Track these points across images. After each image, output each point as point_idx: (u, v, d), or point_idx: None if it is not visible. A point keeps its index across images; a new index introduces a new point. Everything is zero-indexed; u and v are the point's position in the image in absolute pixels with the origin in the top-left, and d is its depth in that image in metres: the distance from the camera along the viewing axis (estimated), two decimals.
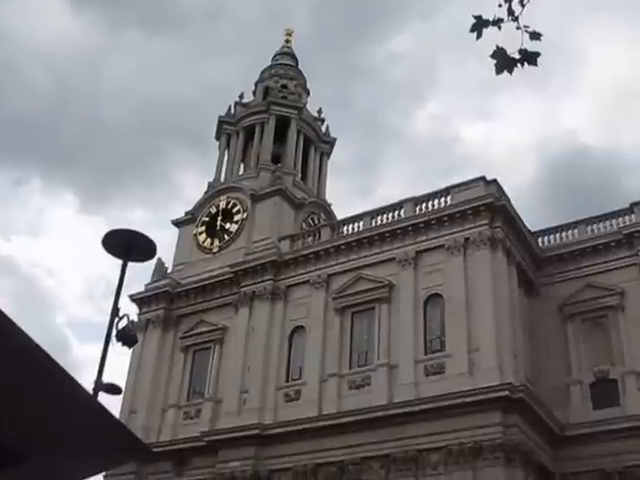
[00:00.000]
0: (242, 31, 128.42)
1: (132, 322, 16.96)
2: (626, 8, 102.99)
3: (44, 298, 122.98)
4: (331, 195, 63.25)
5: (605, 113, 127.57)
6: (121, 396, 48.80)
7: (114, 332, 16.24)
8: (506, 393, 37.77)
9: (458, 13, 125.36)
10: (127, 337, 16.60)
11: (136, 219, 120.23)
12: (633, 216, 46.69)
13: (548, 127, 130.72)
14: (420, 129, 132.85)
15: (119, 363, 51.74)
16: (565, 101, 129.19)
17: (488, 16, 8.96)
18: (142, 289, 55.04)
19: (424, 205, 46.71)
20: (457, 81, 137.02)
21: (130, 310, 53.22)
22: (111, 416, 5.43)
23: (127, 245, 15.84)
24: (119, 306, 16.34)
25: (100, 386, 15.53)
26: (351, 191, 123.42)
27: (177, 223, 58.40)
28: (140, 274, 56.24)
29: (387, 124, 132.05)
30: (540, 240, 49.17)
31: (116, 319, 16.25)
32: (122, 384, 50.22)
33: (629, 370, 42.46)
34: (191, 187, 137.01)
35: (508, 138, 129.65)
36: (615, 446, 39.93)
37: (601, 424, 41.00)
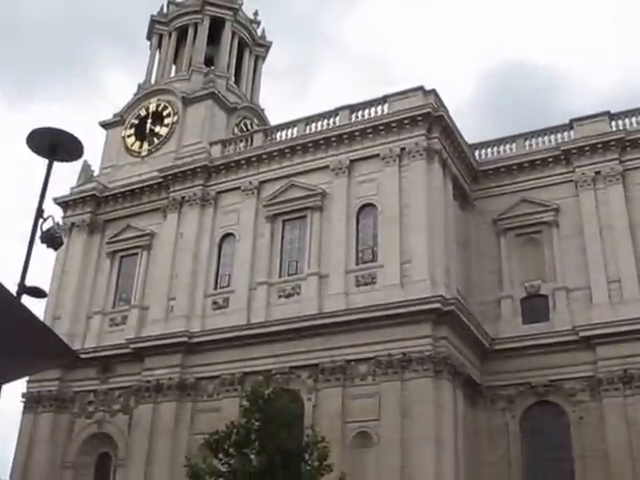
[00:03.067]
0: None
1: (57, 224, 16.29)
2: None
3: None
4: (265, 101, 62.08)
5: (549, 31, 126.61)
6: (44, 301, 48.51)
7: (38, 234, 15.66)
8: (437, 305, 37.79)
9: None
10: (52, 239, 16.01)
11: (62, 119, 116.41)
12: (572, 132, 46.58)
13: (489, 40, 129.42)
14: (357, 36, 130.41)
15: (43, 268, 50.63)
16: (508, 14, 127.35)
17: None
18: (67, 192, 53.46)
19: (360, 113, 45.78)
20: None
21: (55, 213, 51.79)
22: (35, 319, 5.40)
23: (52, 144, 15.28)
24: (44, 207, 15.68)
25: (23, 288, 14.91)
26: (285, 98, 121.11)
27: (105, 125, 56.60)
28: (65, 177, 54.58)
29: (323, 30, 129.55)
30: (477, 153, 48.79)
31: (40, 220, 15.63)
32: (46, 289, 50.01)
33: (560, 286, 42.86)
34: (119, 87, 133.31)
35: (448, 49, 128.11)
36: (542, 360, 40.72)
37: (529, 338, 41.60)
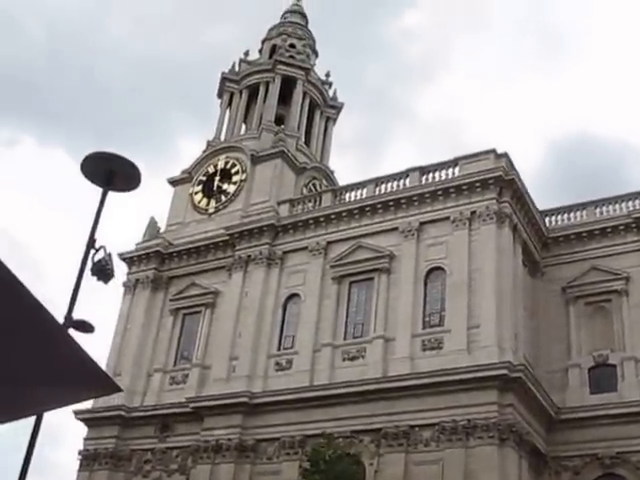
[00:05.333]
0: None
1: (109, 255, 15.77)
2: None
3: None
4: (334, 165, 63.60)
5: (616, 104, 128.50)
6: (106, 356, 50.07)
7: (89, 265, 15.25)
8: (504, 372, 38.50)
9: None
10: (102, 271, 15.61)
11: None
12: None
13: (558, 114, 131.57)
14: (428, 109, 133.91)
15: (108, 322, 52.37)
16: (577, 90, 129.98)
17: None
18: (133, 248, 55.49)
19: (430, 175, 47.18)
20: (469, 63, 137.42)
21: (118, 268, 53.67)
22: (77, 345, 5.52)
23: (108, 171, 14.77)
24: (96, 238, 15.34)
25: (70, 321, 14.57)
26: (354, 167, 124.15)
27: (172, 182, 58.60)
28: (133, 235, 56.50)
29: (395, 102, 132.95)
30: (547, 219, 49.85)
31: (92, 251, 15.24)
32: (108, 343, 51.64)
33: (629, 356, 43.40)
34: (189, 151, 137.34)
35: (517, 124, 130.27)
36: (609, 431, 41.03)
37: (597, 409, 42.04)
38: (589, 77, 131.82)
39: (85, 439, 49.90)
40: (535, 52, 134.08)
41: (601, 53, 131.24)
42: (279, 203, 51.94)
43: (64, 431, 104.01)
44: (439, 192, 45.51)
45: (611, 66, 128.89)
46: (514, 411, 38.85)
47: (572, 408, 42.63)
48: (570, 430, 42.06)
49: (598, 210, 48.92)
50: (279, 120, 60.60)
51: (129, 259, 54.96)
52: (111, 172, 14.74)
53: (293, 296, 48.19)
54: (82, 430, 50.63)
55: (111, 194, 15.44)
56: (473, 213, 44.07)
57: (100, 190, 15.25)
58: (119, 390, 6.26)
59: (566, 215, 49.90)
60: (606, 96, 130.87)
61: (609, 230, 47.03)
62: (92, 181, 14.99)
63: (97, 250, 15.32)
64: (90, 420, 49.77)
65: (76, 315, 14.77)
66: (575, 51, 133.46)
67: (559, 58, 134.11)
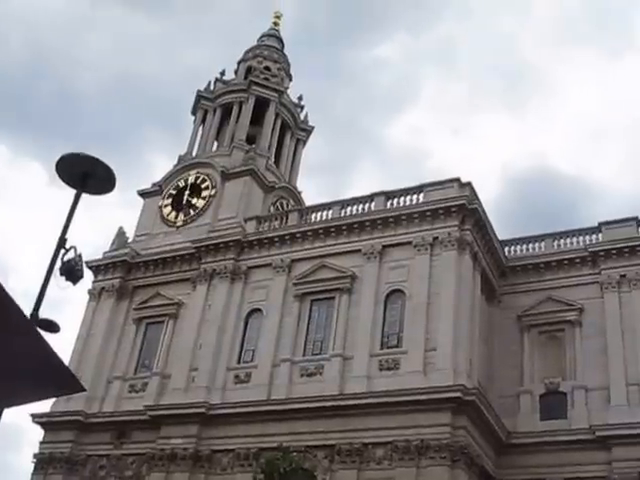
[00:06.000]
0: (226, 21, 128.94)
1: (79, 256, 15.50)
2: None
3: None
4: (301, 188, 63.17)
5: (575, 144, 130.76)
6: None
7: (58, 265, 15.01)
8: (458, 394, 38.38)
9: (446, 31, 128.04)
10: (71, 271, 15.32)
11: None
12: (600, 235, 47.82)
13: (520, 150, 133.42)
14: (395, 138, 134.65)
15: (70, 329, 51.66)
16: (538, 128, 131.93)
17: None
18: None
19: (395, 200, 47.14)
20: (437, 97, 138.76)
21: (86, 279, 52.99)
22: (46, 344, 5.36)
23: (83, 173, 14.64)
24: (66, 237, 15.04)
25: (35, 320, 14.08)
26: (321, 189, 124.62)
27: (143, 194, 58.22)
28: (100, 246, 55.85)
29: (363, 129, 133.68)
30: (507, 249, 50.03)
31: (62, 251, 14.99)
32: (69, 349, 50.88)
33: (579, 385, 43.57)
34: (160, 166, 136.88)
35: (479, 157, 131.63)
36: (558, 457, 41.18)
37: (546, 435, 42.18)
38: (551, 117, 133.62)
39: (41, 442, 49.11)
40: (501, 90, 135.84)
41: (564, 96, 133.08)
42: (246, 220, 51.66)
43: (19, 434, 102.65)
44: (403, 217, 45.50)
45: (573, 108, 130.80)
46: (466, 433, 38.69)
47: (522, 433, 42.71)
48: (519, 454, 42.11)
49: (556, 242, 49.19)
50: (250, 139, 60.23)
51: (95, 267, 54.35)
52: (86, 174, 14.59)
53: (255, 311, 47.81)
54: (38, 434, 49.84)
55: (85, 197, 15.25)
56: (435, 239, 44.05)
57: (74, 192, 15.06)
58: (83, 390, 5.93)
59: (525, 246, 50.12)
60: (566, 136, 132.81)
61: (566, 262, 47.33)
62: (66, 182, 14.81)
63: (67, 250, 15.07)
64: (47, 424, 49.06)
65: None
66: (539, 91, 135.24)
67: (523, 97, 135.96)
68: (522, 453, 42.03)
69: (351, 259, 46.00)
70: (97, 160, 14.57)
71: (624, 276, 45.38)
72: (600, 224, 48.06)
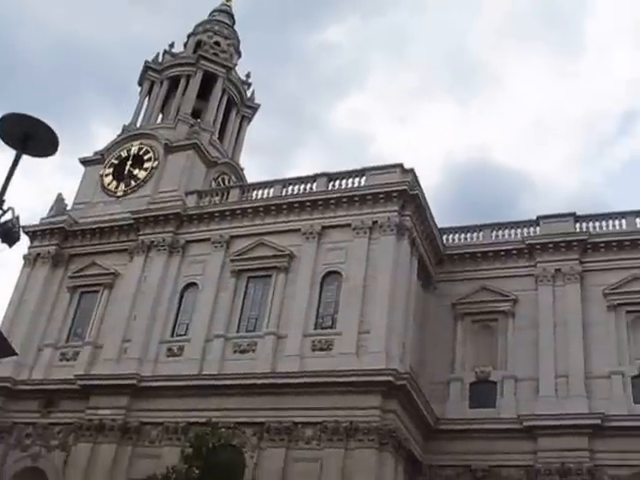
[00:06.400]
0: None
1: (16, 218, 14.88)
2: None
3: None
4: (244, 165, 62.21)
5: (519, 138, 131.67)
6: None
7: None
8: (390, 378, 37.97)
9: (400, 20, 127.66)
10: (8, 233, 14.71)
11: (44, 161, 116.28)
12: (538, 229, 47.85)
13: (464, 141, 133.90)
14: (340, 123, 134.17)
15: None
16: (484, 120, 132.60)
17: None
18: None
19: (337, 182, 46.50)
20: (385, 84, 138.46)
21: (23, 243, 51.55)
22: None
23: (25, 133, 14.27)
24: (4, 199, 14.48)
25: None
26: (262, 170, 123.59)
27: (84, 162, 56.67)
28: (39, 213, 54.33)
29: (309, 111, 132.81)
30: (445, 237, 49.69)
31: None
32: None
33: (509, 375, 43.56)
34: (103, 134, 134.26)
35: (424, 145, 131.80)
36: (484, 445, 41.17)
37: (474, 422, 42.10)
38: (497, 111, 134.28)
39: None
40: (449, 82, 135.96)
41: (511, 90, 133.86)
42: (187, 193, 50.69)
43: None
44: (344, 199, 44.92)
45: (519, 103, 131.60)
46: (396, 417, 38.34)
47: (451, 420, 42.59)
48: (447, 441, 42.00)
49: (494, 233, 49.03)
50: (196, 113, 59.03)
51: (32, 233, 52.93)
52: (27, 135, 14.18)
53: (191, 285, 46.86)
54: None
55: (25, 161, 14.84)
56: (375, 223, 43.55)
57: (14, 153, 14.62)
58: (15, 354, 5.22)
59: (463, 235, 49.91)
60: (510, 130, 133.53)
61: (502, 253, 47.28)
62: (7, 142, 14.41)
63: (5, 212, 14.53)
64: None
65: None
66: (487, 85, 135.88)
67: (471, 90, 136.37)
68: (450, 439, 41.91)
69: (290, 238, 45.28)
70: (39, 121, 14.13)
71: (559, 270, 45.42)
72: (538, 218, 48.05)
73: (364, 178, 45.66)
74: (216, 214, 48.01)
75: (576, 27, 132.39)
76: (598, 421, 40.17)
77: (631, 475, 39.12)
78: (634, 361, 42.27)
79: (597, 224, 47.26)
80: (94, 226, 51.51)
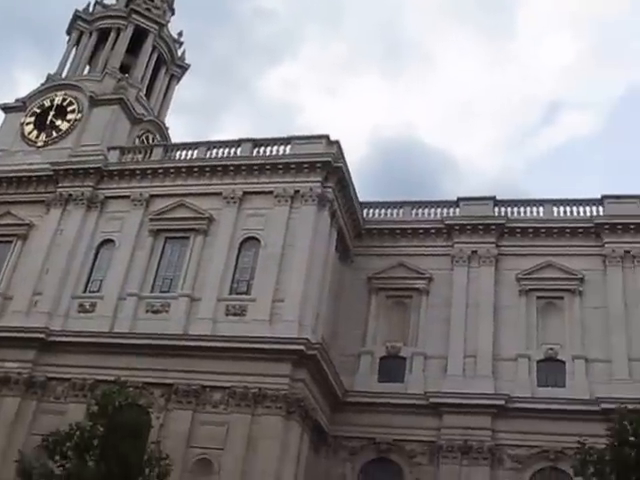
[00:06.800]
0: None
1: None
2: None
3: None
4: (170, 125, 60.84)
5: (446, 119, 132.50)
6: None
7: None
8: (301, 347, 37.85)
9: None
10: None
11: None
12: (458, 210, 48.03)
13: (390, 117, 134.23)
14: (269, 91, 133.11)
15: None
16: (412, 98, 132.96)
17: None
18: None
19: (262, 149, 45.80)
20: (317, 55, 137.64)
21: None
22: None
23: None
24: None
25: None
26: (188, 132, 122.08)
27: (5, 108, 54.70)
28: None
29: (239, 77, 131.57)
30: (365, 211, 49.43)
31: None
32: None
33: (419, 351, 43.83)
34: (27, 84, 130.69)
35: (351, 118, 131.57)
36: (390, 419, 41.41)
37: (382, 396, 42.18)
38: (426, 90, 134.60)
39: None
40: (380, 57, 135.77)
41: (440, 71, 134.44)
42: (109, 148, 49.26)
43: None
44: (267, 166, 44.38)
45: (447, 84, 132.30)
46: (304, 386, 38.18)
47: (359, 392, 42.61)
48: (354, 413, 42.05)
49: (414, 211, 49.06)
50: (124, 68, 57.38)
51: None
52: None
53: (107, 242, 45.68)
54: None
55: None
56: (297, 192, 43.17)
57: None
58: None
59: (383, 210, 49.78)
60: (437, 110, 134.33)
61: (421, 232, 47.41)
62: None
63: None
64: None
65: None
66: (417, 63, 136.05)
67: (401, 66, 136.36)
68: (356, 412, 41.95)
69: (210, 201, 44.55)
70: None
71: (475, 252, 45.87)
72: (459, 199, 48.31)
73: (289, 147, 45.15)
74: (137, 172, 46.84)
75: (510, 13, 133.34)
76: (502, 402, 40.79)
77: (529, 455, 39.91)
78: (541, 346, 42.96)
79: (515, 210, 47.73)
80: (11, 175, 49.65)
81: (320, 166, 43.26)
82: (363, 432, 41.63)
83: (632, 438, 29.15)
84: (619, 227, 44.72)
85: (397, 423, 41.22)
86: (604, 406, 38.41)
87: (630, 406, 31.10)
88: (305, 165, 43.46)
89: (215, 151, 46.85)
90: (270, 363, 37.85)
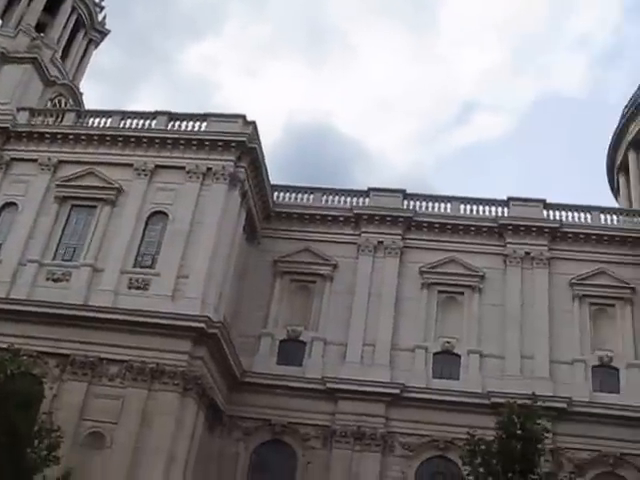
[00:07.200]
0: None
1: None
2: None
3: None
4: (84, 90, 59.14)
5: (362, 110, 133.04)
6: None
7: None
8: (202, 325, 37.41)
9: None
10: None
11: None
12: (367, 200, 48.15)
13: (308, 103, 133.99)
14: (189, 65, 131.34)
15: None
16: (331, 87, 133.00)
17: None
18: None
19: (177, 123, 44.89)
20: (240, 34, 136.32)
21: None
22: None
23: None
24: None
25: None
26: (103, 100, 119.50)
27: None
28: None
29: (159, 49, 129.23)
30: (276, 194, 49.02)
31: None
32: None
33: (320, 337, 43.93)
34: None
35: (269, 101, 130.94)
36: (286, 402, 41.52)
37: (279, 378, 42.13)
38: (345, 80, 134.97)
39: None
40: (303, 42, 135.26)
41: (362, 63, 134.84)
42: (19, 109, 47.45)
43: None
44: (182, 141, 43.71)
45: (367, 76, 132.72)
46: (203, 364, 37.84)
47: (257, 373, 42.42)
48: (250, 393, 41.84)
49: (324, 198, 49.04)
50: (40, 27, 55.29)
51: None
52: None
53: (10, 205, 44.09)
54: None
55: None
56: (209, 169, 42.64)
57: None
58: None
59: (294, 195, 49.49)
60: (355, 100, 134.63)
61: (330, 219, 47.47)
62: None
63: None
64: None
65: None
66: (338, 53, 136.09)
67: (323, 54, 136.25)
68: (253, 392, 41.75)
69: (121, 172, 43.46)
70: None
71: (381, 243, 46.18)
72: (369, 189, 48.52)
73: (205, 123, 44.50)
74: (47, 135, 45.35)
75: (433, 12, 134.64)
76: (397, 391, 41.30)
77: (420, 444, 40.53)
78: (438, 338, 43.63)
79: (424, 204, 48.22)
80: None
81: (234, 145, 42.84)
82: (259, 413, 41.52)
83: (519, 431, 29.87)
84: (522, 229, 45.75)
85: (293, 406, 41.26)
86: (494, 400, 39.34)
87: (519, 401, 31.80)
88: (219, 143, 42.94)
89: (129, 121, 45.66)
90: (170, 339, 37.30)
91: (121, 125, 45.37)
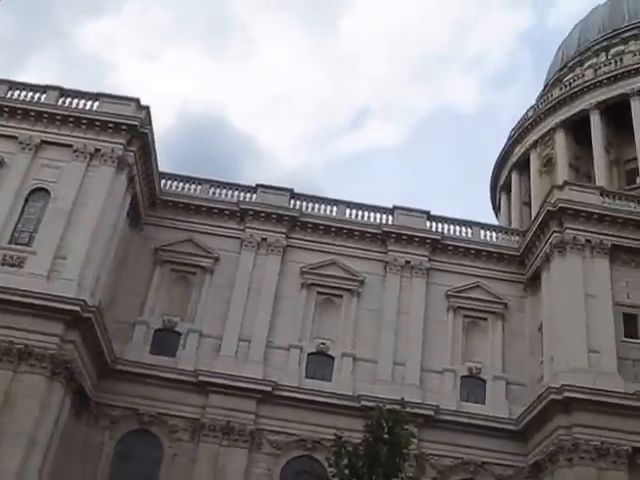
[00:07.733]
0: None
1: None
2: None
3: None
4: None
5: (257, 105, 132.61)
6: None
7: None
8: (76, 308, 36.09)
9: None
10: None
11: None
12: (255, 196, 47.76)
13: (204, 93, 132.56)
14: (84, 42, 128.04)
15: None
16: (227, 79, 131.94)
17: None
18: None
19: (69, 100, 43.22)
20: (140, 16, 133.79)
21: None
22: None
23: None
24: None
25: None
26: None
27: None
28: None
29: (55, 21, 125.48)
30: (163, 182, 47.84)
31: None
32: None
33: (196, 328, 43.24)
34: None
35: (165, 87, 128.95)
36: (157, 392, 40.66)
37: (151, 368, 41.21)
38: (241, 72, 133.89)
39: None
40: (203, 30, 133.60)
41: (261, 56, 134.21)
42: None
43: None
44: (71, 118, 42.09)
45: (265, 70, 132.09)
46: (74, 349, 36.48)
47: (129, 361, 41.21)
48: (121, 381, 40.62)
49: (212, 190, 48.24)
50: None
51: None
52: None
53: None
54: None
55: None
56: (97, 150, 41.31)
57: None
58: None
59: (182, 184, 48.35)
60: (251, 95, 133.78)
61: (215, 211, 46.85)
62: None
63: None
64: None
65: None
66: (237, 46, 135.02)
67: (222, 45, 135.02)
68: (124, 381, 40.59)
69: (4, 144, 41.56)
70: None
71: (265, 240, 45.97)
72: (257, 186, 48.09)
73: (97, 103, 43.03)
74: None
75: (337, 16, 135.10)
76: (269, 388, 41.04)
77: (288, 442, 40.49)
78: (314, 339, 43.63)
79: (310, 205, 48.08)
80: None
81: (126, 128, 41.70)
82: (127, 402, 40.38)
83: (386, 436, 30.01)
84: (404, 238, 46.15)
85: (163, 397, 40.39)
86: (364, 403, 39.65)
87: (389, 406, 31.86)
88: (110, 125, 41.69)
89: (17, 93, 43.53)
90: (41, 320, 35.79)
91: (8, 95, 43.18)
